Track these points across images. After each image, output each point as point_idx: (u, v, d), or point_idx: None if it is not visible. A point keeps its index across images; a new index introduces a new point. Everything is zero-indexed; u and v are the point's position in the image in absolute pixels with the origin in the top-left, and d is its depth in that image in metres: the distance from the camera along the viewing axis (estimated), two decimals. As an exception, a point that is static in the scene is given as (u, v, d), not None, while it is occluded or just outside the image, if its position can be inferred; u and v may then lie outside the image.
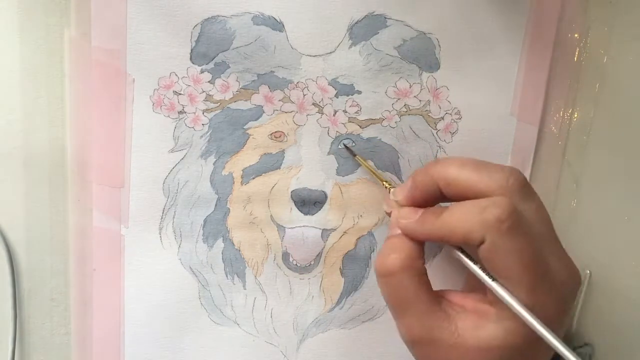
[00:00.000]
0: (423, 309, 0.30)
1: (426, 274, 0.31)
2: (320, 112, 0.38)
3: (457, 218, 0.29)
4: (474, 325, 0.30)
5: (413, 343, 0.31)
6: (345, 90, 0.37)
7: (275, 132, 0.38)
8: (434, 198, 0.32)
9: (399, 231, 0.32)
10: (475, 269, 0.30)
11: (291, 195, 0.38)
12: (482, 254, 0.29)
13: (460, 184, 0.31)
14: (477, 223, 0.28)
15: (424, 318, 0.30)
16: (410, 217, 0.32)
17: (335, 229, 0.39)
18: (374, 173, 0.37)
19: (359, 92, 0.37)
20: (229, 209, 0.38)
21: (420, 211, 0.32)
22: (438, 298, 0.31)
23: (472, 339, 0.29)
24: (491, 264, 0.29)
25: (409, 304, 0.31)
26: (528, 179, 0.39)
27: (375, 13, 0.36)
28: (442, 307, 0.31)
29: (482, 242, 0.29)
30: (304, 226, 0.39)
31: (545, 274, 0.29)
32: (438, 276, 0.39)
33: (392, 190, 0.34)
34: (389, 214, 0.34)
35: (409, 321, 0.31)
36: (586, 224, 0.40)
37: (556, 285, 0.30)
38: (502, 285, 0.29)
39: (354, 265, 0.40)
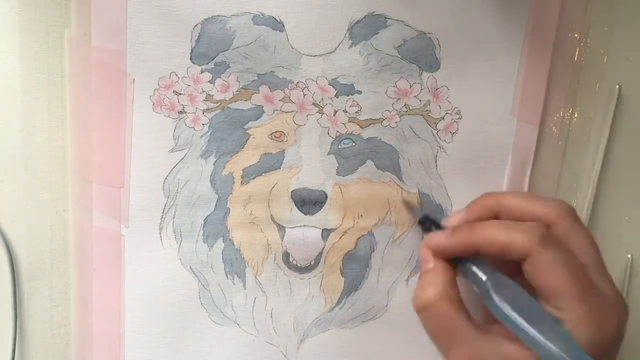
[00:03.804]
0: (470, 336, 0.31)
1: (463, 304, 0.32)
2: (321, 112, 0.38)
3: (499, 230, 0.31)
4: (524, 350, 0.29)
5: None
6: (346, 90, 0.37)
7: (276, 132, 0.38)
8: None
9: (431, 265, 0.33)
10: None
11: (291, 195, 0.38)
12: (527, 268, 0.30)
13: (518, 210, 0.32)
14: (521, 237, 0.30)
15: (473, 345, 0.30)
16: (440, 236, 0.33)
17: (335, 229, 0.39)
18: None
19: (359, 92, 0.37)
20: (229, 208, 0.38)
21: (448, 229, 0.33)
22: (484, 328, 0.31)
23: None
24: (537, 277, 0.30)
25: (454, 332, 0.31)
26: (528, 178, 0.39)
27: (375, 13, 0.36)
28: (490, 335, 0.31)
29: (525, 256, 0.30)
30: (304, 226, 0.39)
31: (595, 287, 0.30)
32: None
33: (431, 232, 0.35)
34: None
35: (458, 351, 0.31)
36: (586, 223, 0.40)
37: (608, 303, 0.30)
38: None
39: (354, 265, 0.40)
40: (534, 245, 0.29)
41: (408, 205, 0.39)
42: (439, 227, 0.35)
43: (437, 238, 0.33)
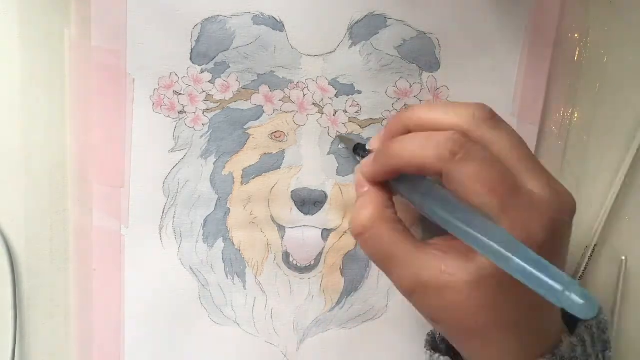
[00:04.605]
0: (407, 256, 0.30)
1: (401, 222, 0.31)
2: (321, 112, 0.38)
3: (411, 149, 0.29)
4: (461, 261, 0.28)
5: (408, 294, 0.30)
6: (346, 90, 0.37)
7: (276, 132, 0.38)
8: None
9: (365, 188, 0.32)
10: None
11: (291, 195, 0.38)
12: (446, 185, 0.29)
13: (430, 122, 0.30)
14: (432, 153, 0.28)
15: (410, 264, 0.29)
16: (366, 163, 0.32)
17: (335, 229, 0.39)
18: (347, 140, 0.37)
19: (359, 92, 0.37)
20: (229, 208, 0.38)
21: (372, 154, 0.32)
22: (422, 245, 0.30)
23: (462, 274, 0.28)
24: (457, 193, 0.28)
25: (391, 254, 0.30)
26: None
27: (375, 13, 0.36)
28: (427, 251, 0.30)
29: (440, 175, 0.29)
30: (304, 226, 0.39)
31: (516, 192, 0.28)
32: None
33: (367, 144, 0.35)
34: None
35: (397, 272, 0.30)
36: (586, 224, 0.40)
37: (538, 204, 0.28)
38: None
39: (354, 265, 0.40)
40: (444, 161, 0.28)
41: (342, 138, 0.38)
42: (364, 151, 0.35)
43: (365, 164, 0.33)
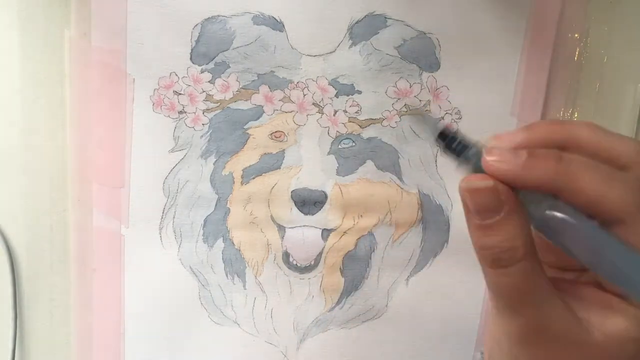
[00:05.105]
0: (544, 298, 0.24)
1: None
2: (321, 112, 0.38)
3: (594, 175, 0.23)
4: (598, 316, 0.24)
5: (527, 340, 0.25)
6: (346, 90, 0.37)
7: (276, 132, 0.38)
8: None
9: (506, 208, 0.24)
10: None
11: (291, 195, 0.38)
12: (621, 234, 0.23)
13: (591, 146, 0.25)
14: (618, 200, 0.23)
15: (545, 309, 0.24)
16: (511, 160, 0.24)
17: (335, 229, 0.39)
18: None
19: (359, 92, 0.37)
20: (229, 209, 0.38)
21: (523, 153, 0.24)
22: (558, 291, 0.25)
23: (598, 333, 0.24)
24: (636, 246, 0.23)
25: (528, 294, 0.25)
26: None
27: (375, 13, 0.36)
28: (561, 297, 0.25)
29: (617, 220, 0.23)
30: (304, 226, 0.39)
31: None
32: (445, 272, 0.39)
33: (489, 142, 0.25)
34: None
35: (527, 314, 0.25)
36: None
37: None
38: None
39: (354, 265, 0.40)
40: (630, 212, 0.23)
41: (420, 113, 0.33)
42: (465, 147, 0.25)
43: (502, 162, 0.24)
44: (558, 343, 0.25)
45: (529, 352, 0.25)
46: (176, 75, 0.36)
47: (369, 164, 0.38)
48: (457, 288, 0.37)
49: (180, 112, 0.37)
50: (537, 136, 0.25)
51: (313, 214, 0.38)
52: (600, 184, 0.23)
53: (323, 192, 0.38)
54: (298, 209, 0.38)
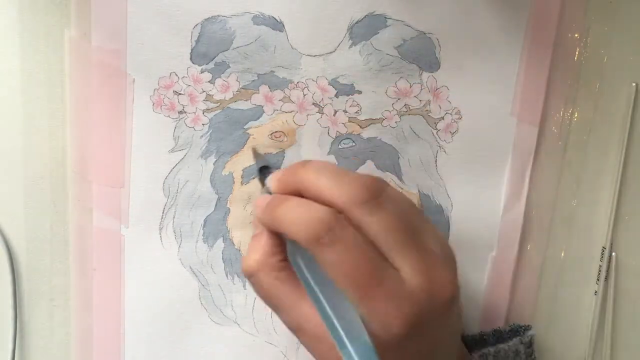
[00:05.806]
0: (287, 305, 0.30)
1: (287, 269, 0.31)
2: (321, 112, 0.38)
3: (289, 219, 0.29)
4: None
5: (294, 333, 0.31)
6: (346, 90, 0.37)
7: (276, 132, 0.38)
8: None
9: (257, 230, 0.32)
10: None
11: (291, 195, 0.38)
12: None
13: (315, 192, 0.29)
14: (301, 235, 0.28)
15: (291, 313, 0.30)
16: (261, 205, 0.31)
17: (335, 229, 0.39)
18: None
19: (359, 92, 0.37)
20: (229, 209, 0.38)
21: (269, 199, 0.31)
22: (304, 295, 0.30)
23: None
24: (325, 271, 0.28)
25: (277, 299, 0.31)
26: (528, 179, 0.39)
27: (375, 13, 0.36)
28: (308, 303, 0.30)
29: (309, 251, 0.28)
30: (304, 226, 0.39)
31: (379, 283, 0.27)
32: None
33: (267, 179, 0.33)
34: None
35: (282, 317, 0.31)
36: (586, 223, 0.40)
37: (403, 295, 0.27)
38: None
39: (354, 265, 0.40)
40: (310, 242, 0.27)
41: (255, 153, 0.37)
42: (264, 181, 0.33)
43: (259, 207, 0.31)
44: (312, 338, 0.30)
45: (302, 341, 0.31)
46: (176, 75, 0.36)
47: (369, 164, 0.38)
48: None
49: (180, 112, 0.37)
50: (284, 184, 0.31)
51: (313, 214, 0.38)
52: (292, 224, 0.28)
53: (323, 192, 0.38)
54: (298, 209, 0.38)
